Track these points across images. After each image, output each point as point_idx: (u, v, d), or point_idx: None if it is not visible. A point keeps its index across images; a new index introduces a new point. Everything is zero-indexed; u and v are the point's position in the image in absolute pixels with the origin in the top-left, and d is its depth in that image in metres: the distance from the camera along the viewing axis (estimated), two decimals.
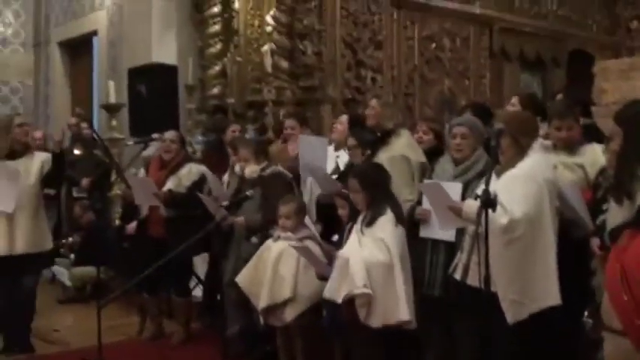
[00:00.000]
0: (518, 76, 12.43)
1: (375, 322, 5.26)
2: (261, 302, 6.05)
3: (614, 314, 4.00)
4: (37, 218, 7.13)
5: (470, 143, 5.51)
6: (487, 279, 4.42)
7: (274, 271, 6.04)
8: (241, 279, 6.23)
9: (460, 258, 5.10)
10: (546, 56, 12.75)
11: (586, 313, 4.67)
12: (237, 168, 7.01)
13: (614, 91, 8.76)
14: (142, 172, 7.76)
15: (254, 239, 6.62)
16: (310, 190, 6.78)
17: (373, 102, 6.45)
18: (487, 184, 4.49)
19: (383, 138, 6.23)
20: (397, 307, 5.23)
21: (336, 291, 5.36)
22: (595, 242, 4.82)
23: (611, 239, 4.68)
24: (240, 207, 6.27)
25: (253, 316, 6.57)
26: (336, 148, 7.04)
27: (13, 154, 6.99)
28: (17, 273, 7.03)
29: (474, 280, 4.72)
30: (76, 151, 7.10)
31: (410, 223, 5.61)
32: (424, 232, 5.56)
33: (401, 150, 6.11)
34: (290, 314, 6.01)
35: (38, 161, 7.13)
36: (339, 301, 5.30)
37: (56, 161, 7.02)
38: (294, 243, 5.92)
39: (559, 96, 6.99)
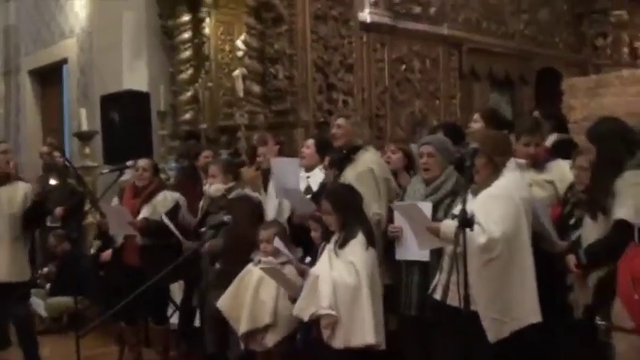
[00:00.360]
0: (488, 95, 12.53)
1: (338, 343, 5.33)
2: (242, 327, 6.05)
3: (626, 315, 4.24)
4: (17, 248, 7.12)
5: (437, 161, 5.58)
6: (467, 298, 4.46)
7: (255, 295, 6.04)
8: (222, 303, 6.21)
9: (439, 279, 5.13)
10: (515, 75, 12.89)
11: (597, 317, 4.72)
12: (206, 187, 7.03)
13: (583, 108, 8.84)
14: (115, 200, 7.72)
15: (217, 265, 6.62)
16: (281, 212, 6.78)
17: (340, 121, 6.39)
18: (464, 203, 4.53)
19: (349, 155, 6.25)
20: (362, 329, 5.26)
21: (303, 309, 5.42)
22: (571, 260, 4.89)
23: (588, 257, 4.77)
24: (218, 233, 6.25)
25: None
26: (307, 170, 7.05)
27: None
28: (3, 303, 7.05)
29: (453, 300, 4.76)
30: (52, 181, 7.07)
31: (384, 241, 5.68)
32: (400, 255, 5.61)
33: (366, 165, 6.12)
34: (271, 340, 6.02)
35: (22, 191, 7.17)
36: (306, 319, 5.40)
37: (36, 209, 7.07)
38: (263, 265, 5.96)
39: (535, 113, 7.07)
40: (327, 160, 6.56)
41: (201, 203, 7.27)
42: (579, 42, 14.34)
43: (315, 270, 5.49)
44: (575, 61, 14.04)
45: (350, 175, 6.07)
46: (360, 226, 5.53)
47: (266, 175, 7.03)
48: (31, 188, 7.24)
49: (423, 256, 5.42)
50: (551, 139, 6.49)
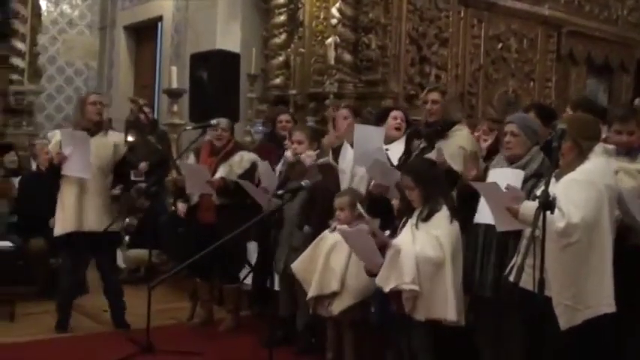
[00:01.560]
0: (585, 80, 12.20)
1: (419, 315, 5.30)
2: (310, 292, 6.11)
3: None
4: (106, 198, 7.25)
5: (520, 141, 5.39)
6: (542, 283, 4.32)
7: (326, 262, 6.08)
8: (296, 266, 6.27)
9: (516, 260, 5.00)
10: (614, 62, 12.51)
11: None
12: (288, 153, 6.98)
13: None
14: (191, 157, 7.72)
15: (306, 228, 6.59)
16: (358, 182, 6.69)
17: (435, 95, 6.32)
18: (547, 185, 4.38)
19: (442, 131, 6.15)
20: (445, 306, 5.23)
21: (385, 280, 5.36)
22: None
23: None
24: (295, 196, 6.19)
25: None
26: (386, 142, 6.90)
27: (89, 132, 7.07)
28: (91, 250, 7.24)
29: (527, 283, 4.61)
30: (130, 138, 7.11)
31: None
32: (478, 218, 5.43)
33: (458, 143, 6.05)
34: (337, 307, 6.04)
35: (111, 142, 7.28)
36: (386, 290, 5.33)
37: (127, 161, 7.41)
38: (333, 229, 5.97)
39: (637, 100, 6.82)
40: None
41: (277, 167, 7.22)
42: None
43: (397, 242, 5.39)
44: None
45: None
46: (443, 199, 5.46)
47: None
48: (123, 140, 7.32)
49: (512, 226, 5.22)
50: None
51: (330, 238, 6.16)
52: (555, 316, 4.68)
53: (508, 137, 5.43)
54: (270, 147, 8.00)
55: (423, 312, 5.29)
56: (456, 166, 5.81)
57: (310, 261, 6.20)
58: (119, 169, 7.37)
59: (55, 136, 7.32)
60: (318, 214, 6.53)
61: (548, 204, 4.29)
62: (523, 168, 5.33)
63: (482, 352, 5.65)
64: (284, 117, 8.34)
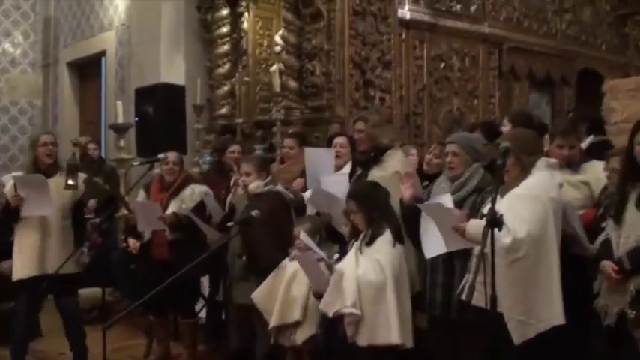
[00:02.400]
0: (527, 95, 12.40)
1: (362, 341, 5.32)
2: (272, 321, 6.07)
3: None
4: (68, 239, 7.10)
5: (462, 160, 5.51)
6: (494, 299, 4.37)
7: (287, 291, 6.06)
8: (257, 295, 6.22)
9: (467, 279, 5.06)
10: (555, 75, 12.74)
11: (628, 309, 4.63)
12: (237, 183, 6.99)
13: (623, 109, 8.71)
14: (141, 194, 7.68)
15: (244, 258, 6.56)
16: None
17: (359, 125, 6.43)
18: (493, 203, 4.44)
19: (376, 157, 6.21)
20: (388, 329, 5.26)
21: (329, 304, 5.42)
22: (608, 265, 4.77)
23: (631, 262, 4.65)
24: (246, 227, 6.20)
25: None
26: (337, 169, 6.93)
27: (43, 174, 6.99)
28: (54, 293, 7.12)
29: (479, 300, 4.69)
30: (70, 181, 7.02)
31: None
32: (429, 253, 5.49)
33: (393, 168, 6.10)
34: (300, 336, 6.02)
35: None
36: (330, 314, 5.39)
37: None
38: (293, 257, 5.98)
39: (570, 115, 6.96)
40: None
41: (229, 198, 7.23)
42: (622, 43, 14.16)
43: (341, 266, 5.46)
44: (618, 63, 13.86)
45: (377, 176, 6.04)
46: (387, 222, 5.52)
47: None
48: (82, 179, 7.26)
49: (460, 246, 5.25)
50: (587, 141, 6.38)
51: (290, 266, 6.14)
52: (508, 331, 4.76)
53: (450, 157, 5.53)
54: (218, 177, 8.00)
55: (366, 337, 5.31)
56: (391, 190, 5.83)
57: (270, 290, 6.17)
58: (76, 210, 7.28)
59: (9, 180, 7.21)
60: (255, 242, 6.49)
61: (495, 221, 4.35)
62: (463, 185, 5.43)
63: None
64: (234, 147, 8.35)
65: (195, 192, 7.38)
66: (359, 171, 6.38)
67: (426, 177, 6.52)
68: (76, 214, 7.22)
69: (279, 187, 6.81)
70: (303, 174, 7.03)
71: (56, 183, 6.97)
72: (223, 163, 8.27)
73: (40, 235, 6.92)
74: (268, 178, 6.82)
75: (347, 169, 6.79)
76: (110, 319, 6.52)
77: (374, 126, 6.35)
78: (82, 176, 7.24)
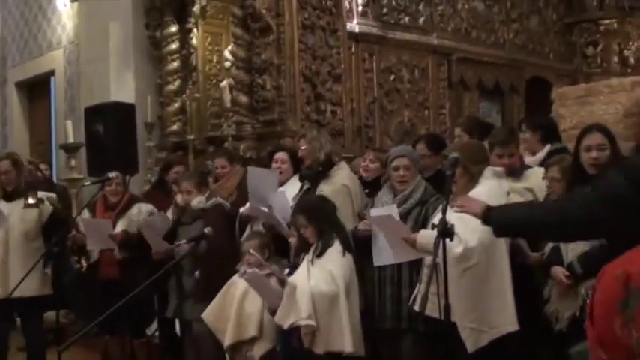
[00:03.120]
0: (477, 104, 12.48)
1: (319, 349, 5.43)
2: (227, 340, 6.06)
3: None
4: (31, 261, 7.01)
5: (413, 174, 5.63)
6: (447, 309, 4.40)
7: (240, 307, 6.06)
8: (207, 315, 6.22)
9: (419, 289, 5.10)
10: (504, 84, 12.83)
11: None
12: (178, 199, 7.01)
13: (572, 116, 8.83)
14: (85, 213, 7.64)
15: (196, 273, 6.59)
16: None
17: (301, 142, 6.61)
18: (444, 212, 4.48)
19: (324, 171, 6.27)
20: (342, 338, 5.36)
21: (284, 317, 5.51)
22: (559, 271, 4.82)
23: (582, 267, 4.70)
24: (198, 245, 6.18)
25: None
26: (280, 184, 6.95)
27: (7, 197, 7.06)
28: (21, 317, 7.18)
29: (432, 310, 4.70)
30: (31, 200, 7.02)
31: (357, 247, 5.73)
32: (377, 261, 5.60)
33: (342, 182, 6.21)
34: (258, 352, 6.02)
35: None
36: (285, 327, 5.49)
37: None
38: (247, 275, 5.94)
39: (523, 126, 6.98)
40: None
41: (168, 214, 7.25)
42: (569, 51, 14.32)
43: (293, 280, 5.55)
44: (566, 70, 14.02)
45: (326, 190, 6.10)
46: (336, 233, 5.64)
47: None
48: (50, 200, 7.25)
49: (410, 257, 5.35)
50: (545, 150, 6.42)
51: (241, 283, 6.13)
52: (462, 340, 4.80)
53: (402, 171, 5.57)
54: (161, 196, 7.95)
55: (322, 346, 5.43)
56: (340, 204, 5.96)
57: (221, 308, 6.17)
58: (49, 230, 7.24)
59: None
60: (207, 258, 6.54)
61: (446, 231, 4.37)
62: (408, 198, 5.52)
63: None
64: (178, 168, 8.30)
65: (142, 210, 7.40)
66: (306, 186, 6.41)
67: (366, 184, 6.55)
68: (51, 233, 7.19)
69: (220, 200, 6.85)
70: (237, 189, 7.16)
71: (18, 207, 7.04)
72: (165, 180, 8.21)
73: (1, 259, 6.98)
74: (208, 192, 6.89)
75: (291, 184, 6.84)
76: (65, 341, 6.49)
77: (311, 140, 6.44)
78: (44, 194, 7.25)
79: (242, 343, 6.06)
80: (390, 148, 8.41)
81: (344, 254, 5.54)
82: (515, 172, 5.58)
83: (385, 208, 5.48)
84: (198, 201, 6.78)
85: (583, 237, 4.22)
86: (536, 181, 5.59)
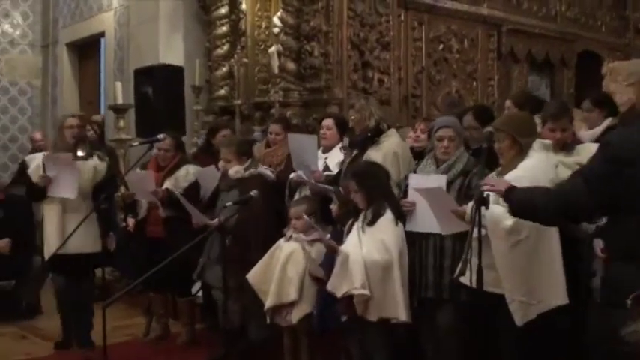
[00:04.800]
0: (527, 77, 12.37)
1: (372, 316, 5.44)
2: (268, 301, 6.13)
3: None
4: (90, 219, 7.20)
5: (457, 145, 5.60)
6: (480, 278, 4.47)
7: (282, 271, 6.10)
8: (252, 276, 6.27)
9: (464, 259, 5.09)
10: (555, 58, 12.69)
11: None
12: (220, 165, 7.06)
13: (623, 92, 8.69)
14: (138, 172, 7.73)
15: (227, 241, 6.57)
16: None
17: (350, 112, 6.63)
18: (480, 182, 4.50)
19: (372, 138, 6.25)
20: (396, 306, 5.37)
21: (336, 286, 5.50)
22: (598, 244, 4.80)
23: None
24: (246, 208, 6.24)
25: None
26: (325, 151, 7.00)
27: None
28: (73, 272, 7.24)
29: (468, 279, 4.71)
30: (80, 153, 7.12)
31: None
32: (410, 227, 5.60)
33: (391, 148, 6.20)
34: (296, 316, 6.07)
35: (91, 166, 7.34)
36: (339, 295, 5.46)
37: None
38: (289, 237, 6.11)
39: (585, 102, 6.89)
40: (345, 141, 6.56)
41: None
42: (622, 25, 14.08)
43: (345, 248, 5.53)
44: (617, 45, 13.80)
45: (375, 157, 6.08)
46: (387, 202, 5.58)
47: None
48: (104, 163, 7.38)
49: (433, 228, 5.41)
50: (603, 125, 6.34)
51: (285, 246, 6.19)
52: (507, 310, 4.79)
53: (446, 142, 5.55)
54: (208, 159, 7.99)
55: (376, 312, 5.42)
56: (391, 169, 5.95)
57: (265, 271, 6.22)
58: (101, 189, 7.37)
59: (34, 160, 7.33)
60: (241, 225, 6.57)
61: (482, 200, 4.39)
62: (450, 168, 5.49)
63: (425, 352, 5.80)
64: (225, 132, 8.36)
65: (189, 172, 7.45)
66: (355, 152, 6.40)
67: (416, 155, 6.54)
68: (99, 191, 7.35)
69: (261, 169, 6.88)
70: (288, 158, 7.12)
71: (79, 165, 7.15)
72: (213, 145, 8.25)
73: (62, 216, 7.13)
74: (248, 162, 6.89)
75: (336, 150, 6.88)
76: (110, 297, 6.61)
77: (360, 109, 6.44)
78: (96, 158, 7.47)
79: (282, 306, 6.12)
80: (429, 118, 8.48)
81: (396, 224, 5.52)
82: (567, 146, 5.51)
83: (433, 177, 5.45)
84: (235, 171, 6.80)
85: (586, 219, 4.36)
86: (587, 156, 5.51)
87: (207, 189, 7.23)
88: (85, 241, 7.13)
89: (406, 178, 5.83)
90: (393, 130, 6.53)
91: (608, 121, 6.32)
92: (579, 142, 5.78)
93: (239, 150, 6.95)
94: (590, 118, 6.42)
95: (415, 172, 5.81)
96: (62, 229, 7.10)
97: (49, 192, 7.08)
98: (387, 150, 6.20)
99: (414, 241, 5.60)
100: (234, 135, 8.57)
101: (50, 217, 7.21)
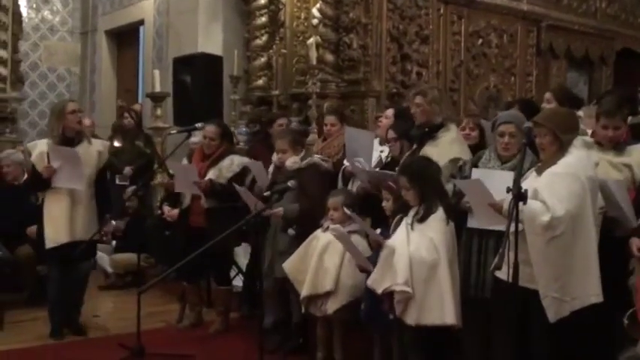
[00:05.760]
0: (565, 74, 12.31)
1: (410, 319, 5.23)
2: (304, 291, 6.11)
3: None
4: (93, 206, 7.24)
5: (518, 141, 5.37)
6: (516, 273, 4.44)
7: (319, 261, 6.08)
8: (288, 265, 6.28)
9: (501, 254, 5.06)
10: (594, 55, 12.62)
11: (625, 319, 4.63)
12: (274, 158, 7.02)
13: None
14: (184, 161, 7.78)
15: (291, 231, 6.60)
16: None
17: (418, 99, 6.23)
18: (518, 177, 4.47)
19: (430, 132, 6.14)
20: (441, 309, 5.17)
21: (378, 281, 5.35)
22: (635, 242, 4.77)
23: None
24: (282, 197, 6.24)
25: (290, 307, 6.72)
26: (381, 143, 7.00)
27: (68, 142, 7.09)
28: (76, 259, 7.18)
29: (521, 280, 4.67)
30: (116, 143, 7.15)
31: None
32: (472, 223, 5.47)
33: (449, 145, 6.01)
34: (332, 306, 6.04)
35: (94, 151, 7.29)
36: (379, 291, 5.31)
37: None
38: (332, 231, 5.93)
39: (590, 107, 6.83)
40: (390, 133, 6.49)
41: (269, 169, 7.20)
42: None
43: (391, 243, 5.37)
44: None
45: (431, 152, 5.93)
46: (439, 200, 5.41)
47: None
48: (106, 146, 7.36)
49: (495, 224, 5.19)
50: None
51: (322, 237, 6.17)
52: (540, 307, 4.77)
53: (507, 138, 5.41)
54: (264, 150, 7.99)
55: (415, 316, 5.21)
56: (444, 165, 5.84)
57: (302, 260, 6.22)
58: (100, 175, 7.38)
59: (36, 147, 7.28)
60: (304, 215, 6.55)
61: (520, 195, 4.37)
62: (516, 167, 5.37)
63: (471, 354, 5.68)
64: (282, 121, 8.36)
65: (234, 162, 7.39)
66: (413, 146, 6.30)
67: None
68: (100, 181, 7.36)
69: (316, 158, 6.86)
70: (344, 148, 7.06)
71: (83, 151, 7.14)
72: (268, 135, 8.25)
73: (69, 204, 7.08)
74: (303, 152, 6.87)
75: None
76: (142, 283, 6.65)
77: (432, 101, 6.26)
78: (99, 142, 7.40)
79: (318, 297, 6.09)
80: (474, 113, 8.41)
81: (447, 223, 5.34)
82: (618, 145, 5.45)
83: (498, 173, 5.31)
84: (292, 161, 6.71)
85: None
86: (637, 156, 5.46)
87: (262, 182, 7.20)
88: (89, 228, 7.13)
89: (460, 169, 5.74)
90: (452, 125, 6.31)
91: (630, 119, 6.26)
92: (633, 142, 5.64)
93: (294, 140, 6.91)
94: None
95: (476, 166, 5.62)
96: (69, 218, 7.08)
97: (54, 182, 7.03)
98: (445, 144, 6.02)
99: (471, 239, 5.51)
100: (289, 125, 8.52)
101: (55, 207, 7.13)
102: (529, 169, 5.24)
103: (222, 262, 7.43)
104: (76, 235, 7.07)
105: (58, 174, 6.98)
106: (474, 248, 5.48)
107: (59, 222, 7.09)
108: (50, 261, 7.35)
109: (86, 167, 7.10)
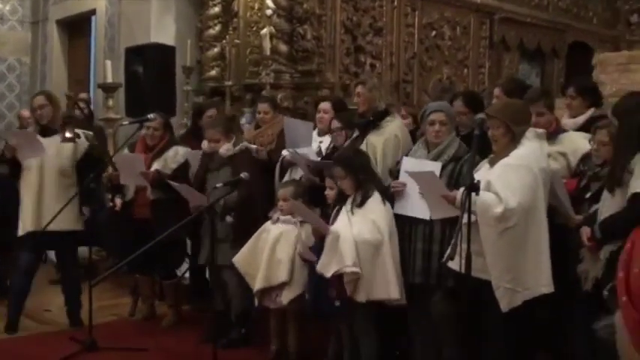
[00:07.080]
0: (517, 66, 12.43)
1: (360, 297, 5.47)
2: (257, 284, 6.14)
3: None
4: (67, 198, 7.14)
5: (448, 130, 5.60)
6: (468, 263, 4.56)
7: (271, 253, 6.12)
8: (238, 259, 6.28)
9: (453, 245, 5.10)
10: (546, 47, 12.76)
11: (605, 290, 4.70)
12: (204, 144, 7.04)
13: (612, 83, 8.74)
14: (125, 152, 7.68)
15: (229, 218, 6.60)
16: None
17: (359, 88, 6.50)
18: (470, 169, 4.56)
19: (374, 121, 6.26)
20: (387, 285, 5.42)
21: (326, 265, 5.52)
22: (585, 232, 4.83)
23: (602, 231, 4.71)
24: (235, 189, 6.22)
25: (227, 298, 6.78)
26: (320, 134, 7.02)
27: (44, 132, 7.19)
28: (54, 249, 7.41)
29: (456, 264, 4.75)
30: (67, 134, 7.08)
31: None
32: (398, 209, 5.63)
33: (393, 132, 6.23)
34: (286, 297, 6.09)
35: (71, 143, 7.26)
36: (328, 275, 5.47)
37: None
38: (276, 220, 6.15)
39: (569, 89, 6.87)
40: (334, 123, 6.54)
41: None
42: (613, 17, 14.17)
43: (335, 228, 5.57)
44: (608, 37, 13.90)
45: (375, 141, 6.09)
46: (373, 183, 5.68)
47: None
48: (83, 138, 7.33)
49: (423, 213, 5.43)
50: (587, 114, 6.35)
51: (273, 229, 6.21)
52: (493, 298, 4.82)
53: (438, 126, 5.54)
54: (194, 141, 7.91)
55: (364, 293, 5.46)
56: (389, 152, 6.06)
57: (252, 254, 6.23)
58: (83, 166, 7.34)
59: None
60: (241, 203, 6.57)
61: (473, 186, 4.48)
62: (442, 153, 5.50)
63: (414, 337, 5.83)
64: (211, 112, 8.28)
65: (178, 153, 7.38)
66: (356, 134, 6.40)
67: None
68: (86, 170, 7.30)
69: (246, 144, 6.93)
70: (278, 137, 7.17)
71: (54, 143, 7.12)
72: (198, 126, 8.19)
73: (37, 193, 7.08)
74: (234, 139, 6.86)
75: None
76: (94, 277, 6.60)
77: (371, 89, 6.41)
78: (81, 131, 7.41)
79: (271, 289, 6.13)
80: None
81: (385, 204, 5.58)
82: (550, 135, 5.52)
83: (428, 163, 5.44)
84: (226, 149, 6.73)
85: None
86: (570, 145, 5.57)
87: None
88: (64, 218, 7.06)
89: (398, 163, 5.82)
90: (396, 115, 6.52)
91: (591, 112, 6.32)
92: (562, 130, 5.80)
93: (226, 128, 6.90)
94: (573, 106, 6.40)
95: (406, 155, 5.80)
96: (38, 206, 7.08)
97: (20, 157, 7.08)
98: (389, 134, 6.22)
99: (404, 226, 5.61)
100: (220, 114, 8.46)
101: (26, 193, 7.16)
102: (454, 155, 5.47)
103: (169, 256, 7.39)
104: (42, 225, 7.00)
105: (20, 149, 7.04)
106: (419, 235, 5.55)
107: (27, 211, 7.11)
108: (18, 248, 7.31)
109: (59, 159, 7.13)
